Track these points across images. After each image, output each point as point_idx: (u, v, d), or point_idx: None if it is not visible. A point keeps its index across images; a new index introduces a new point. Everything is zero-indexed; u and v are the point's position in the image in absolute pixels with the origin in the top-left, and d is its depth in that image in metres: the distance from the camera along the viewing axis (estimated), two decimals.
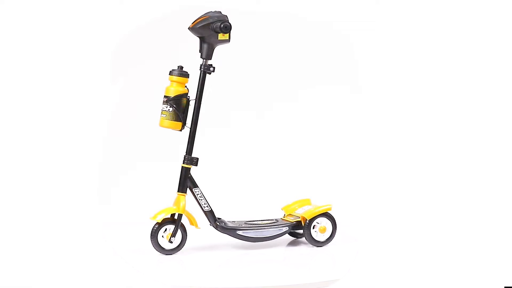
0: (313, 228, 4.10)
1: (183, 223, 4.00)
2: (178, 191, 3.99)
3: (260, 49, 5.04)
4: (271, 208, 4.38)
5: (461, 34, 5.03)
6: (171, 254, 3.97)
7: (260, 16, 5.03)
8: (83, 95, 4.90)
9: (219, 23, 3.93)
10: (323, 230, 4.09)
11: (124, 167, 4.92)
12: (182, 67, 4.00)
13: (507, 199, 4.65)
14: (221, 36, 3.96)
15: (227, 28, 3.93)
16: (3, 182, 4.67)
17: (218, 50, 4.10)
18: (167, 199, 4.08)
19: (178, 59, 4.10)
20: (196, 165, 4.00)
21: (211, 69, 4.01)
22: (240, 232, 4.02)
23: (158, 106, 4.15)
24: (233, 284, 3.64)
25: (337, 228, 4.12)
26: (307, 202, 4.26)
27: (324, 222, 4.10)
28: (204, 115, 4.44)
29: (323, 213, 4.11)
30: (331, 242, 4.13)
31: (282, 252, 4.04)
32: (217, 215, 4.07)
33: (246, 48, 4.90)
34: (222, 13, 4.00)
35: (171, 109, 3.95)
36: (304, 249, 4.08)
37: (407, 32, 5.06)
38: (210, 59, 4.01)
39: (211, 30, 3.94)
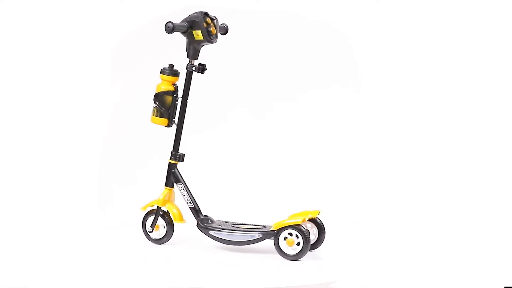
0: (284, 240, 3.88)
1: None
2: (164, 184, 4.12)
3: (260, 49, 5.03)
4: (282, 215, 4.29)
5: (462, 34, 5.02)
6: (159, 244, 4.12)
7: (260, 16, 5.02)
8: (82, 96, 4.90)
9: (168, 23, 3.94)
10: (290, 243, 3.87)
11: (124, 167, 4.92)
12: (172, 66, 4.05)
13: (507, 199, 4.65)
14: (196, 36, 3.96)
15: (168, 28, 3.91)
16: (2, 182, 4.67)
17: (218, 49, 4.11)
18: None
19: (178, 59, 4.11)
20: (182, 161, 4.10)
21: (194, 68, 4.03)
22: (212, 233, 4.00)
23: None
24: (230, 285, 3.64)
25: (308, 243, 3.85)
26: (312, 213, 3.98)
27: (294, 235, 3.87)
28: (205, 115, 4.46)
29: (294, 225, 3.86)
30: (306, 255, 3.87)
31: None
32: (225, 216, 4.13)
33: (246, 48, 4.90)
34: (207, 14, 3.98)
35: (154, 105, 4.05)
36: None
37: (408, 32, 5.05)
38: (196, 58, 4.03)
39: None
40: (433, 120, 4.99)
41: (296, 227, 3.85)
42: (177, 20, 4.00)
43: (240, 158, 5.05)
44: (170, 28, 3.90)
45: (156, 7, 4.99)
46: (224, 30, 4.13)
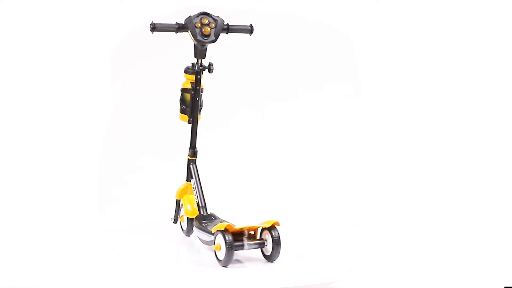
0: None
1: None
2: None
3: (260, 49, 5.04)
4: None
5: (463, 35, 5.03)
6: (187, 236, 4.23)
7: (260, 16, 5.02)
8: (82, 96, 4.90)
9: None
10: (218, 248, 3.81)
11: (124, 168, 4.92)
12: (193, 64, 4.10)
13: (507, 199, 4.65)
14: (190, 36, 4.00)
15: (150, 28, 3.98)
16: (1, 183, 4.67)
17: (218, 49, 4.11)
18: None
19: (178, 59, 4.12)
20: (196, 157, 4.15)
21: (196, 67, 4.06)
22: (194, 229, 4.06)
23: (158, 106, 4.22)
24: (230, 285, 3.64)
25: (230, 251, 3.74)
26: (266, 223, 3.87)
27: (220, 240, 3.81)
28: (204, 114, 4.46)
29: (222, 231, 3.79)
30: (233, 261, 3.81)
31: (280, 254, 4.00)
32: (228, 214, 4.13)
33: (246, 48, 4.90)
34: (208, 14, 4.02)
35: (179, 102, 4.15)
36: (302, 251, 4.06)
37: (408, 31, 5.06)
38: (202, 57, 4.07)
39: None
40: (432, 119, 5.00)
41: (222, 233, 3.78)
42: (178, 20, 4.01)
43: (240, 157, 5.05)
44: (151, 28, 3.98)
45: (156, 7, 4.99)
46: (248, 31, 4.16)
